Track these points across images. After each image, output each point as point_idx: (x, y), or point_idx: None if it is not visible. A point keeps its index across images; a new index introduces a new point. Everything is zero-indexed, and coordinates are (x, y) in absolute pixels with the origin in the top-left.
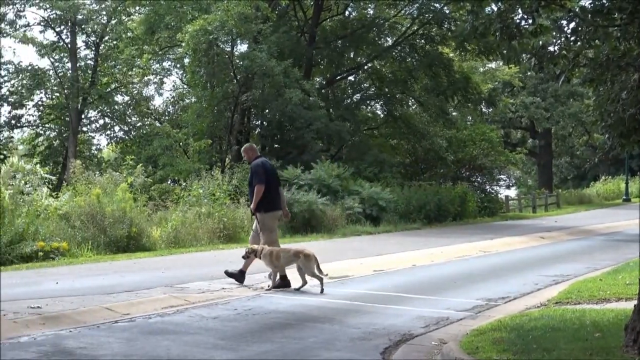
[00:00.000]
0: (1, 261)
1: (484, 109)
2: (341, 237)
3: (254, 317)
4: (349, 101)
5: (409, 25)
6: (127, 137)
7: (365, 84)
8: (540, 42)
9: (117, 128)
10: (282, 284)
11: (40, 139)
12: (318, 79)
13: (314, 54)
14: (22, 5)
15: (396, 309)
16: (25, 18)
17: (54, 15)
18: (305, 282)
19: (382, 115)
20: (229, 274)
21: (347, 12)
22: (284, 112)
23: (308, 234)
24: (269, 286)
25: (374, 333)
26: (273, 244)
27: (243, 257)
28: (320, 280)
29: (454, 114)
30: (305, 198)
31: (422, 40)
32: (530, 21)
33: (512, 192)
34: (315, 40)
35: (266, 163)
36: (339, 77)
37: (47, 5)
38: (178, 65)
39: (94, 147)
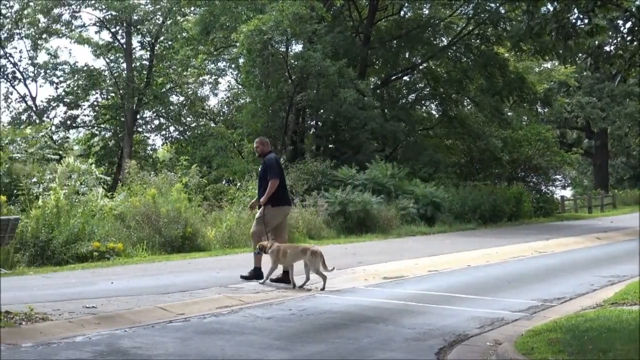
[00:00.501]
0: (57, 261)
1: (539, 109)
2: (396, 238)
3: (309, 317)
4: (404, 101)
5: (464, 25)
6: (182, 138)
7: (420, 84)
8: (596, 42)
9: (172, 128)
10: (284, 278)
11: (96, 139)
12: (373, 79)
13: (368, 54)
14: (78, 6)
15: (451, 310)
16: (81, 19)
17: (110, 15)
18: (308, 279)
19: (437, 116)
20: (245, 278)
21: (402, 12)
22: (338, 112)
23: (362, 234)
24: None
25: (428, 333)
26: (261, 236)
27: (256, 253)
28: (324, 278)
29: (509, 114)
30: (359, 198)
31: (478, 40)
32: (586, 21)
33: (568, 193)
34: (370, 40)
35: (279, 158)
36: (394, 77)
37: (103, 6)
38: (233, 66)
39: (149, 148)
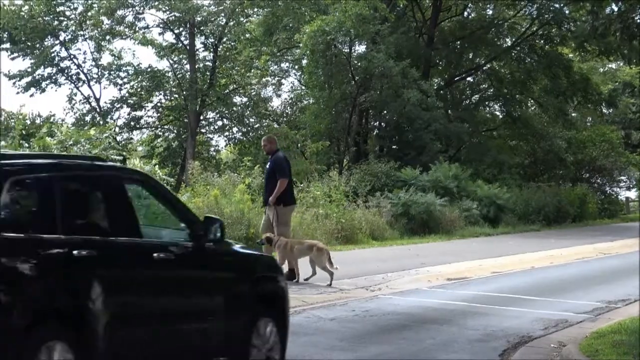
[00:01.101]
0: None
1: (604, 110)
2: (459, 239)
3: (372, 318)
4: (467, 102)
5: (528, 25)
6: (245, 139)
7: (483, 85)
8: None
9: (235, 129)
10: (290, 276)
11: (159, 140)
12: (436, 80)
13: (432, 55)
14: (142, 8)
15: (514, 311)
16: (145, 20)
17: (173, 17)
18: (314, 273)
19: (500, 117)
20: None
21: (465, 13)
22: (402, 113)
23: (426, 235)
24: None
25: (492, 335)
26: (288, 236)
27: (258, 243)
28: (331, 274)
29: (573, 114)
30: (423, 199)
31: (542, 41)
32: None
33: (633, 194)
34: (433, 41)
35: (287, 157)
36: (457, 78)
37: (166, 8)
38: (296, 67)
39: (212, 149)
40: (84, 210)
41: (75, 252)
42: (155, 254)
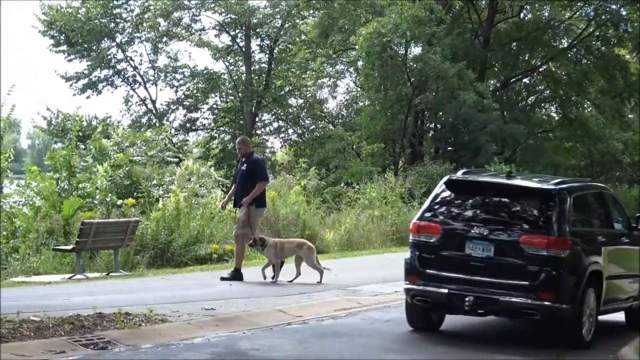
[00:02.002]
0: (176, 263)
1: None
2: None
3: None
4: (523, 103)
5: (584, 26)
6: (300, 140)
7: (539, 87)
8: None
9: (290, 131)
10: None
11: (215, 142)
12: (492, 82)
13: (488, 56)
14: (198, 10)
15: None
16: (201, 22)
17: (229, 19)
18: (299, 274)
19: (556, 118)
20: (225, 279)
21: (521, 14)
22: (457, 115)
23: None
24: (273, 278)
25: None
26: (248, 237)
27: (250, 245)
28: (321, 272)
29: (630, 116)
30: None
31: (598, 42)
32: None
33: None
34: (489, 43)
35: (264, 159)
36: (513, 80)
37: (222, 10)
38: (352, 68)
39: (267, 150)
40: (596, 213)
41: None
42: (619, 237)
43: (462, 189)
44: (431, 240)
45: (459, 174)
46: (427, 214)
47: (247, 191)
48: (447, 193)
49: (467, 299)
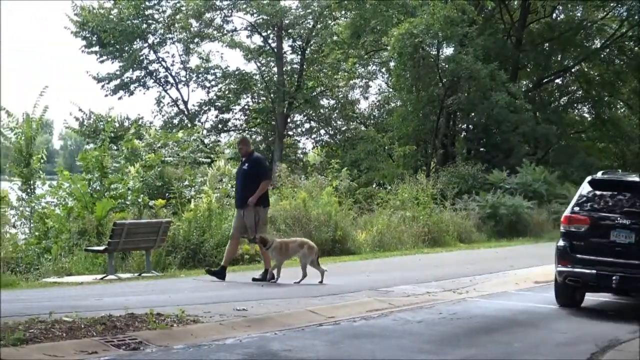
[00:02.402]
0: (208, 264)
1: None
2: (547, 242)
3: (459, 321)
4: (555, 104)
5: (617, 27)
6: (332, 141)
7: (572, 87)
8: None
9: (322, 132)
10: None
11: None
12: (524, 82)
13: (520, 57)
14: (230, 11)
15: (602, 315)
16: (233, 23)
17: (261, 20)
18: (305, 275)
19: (589, 119)
20: (256, 279)
21: (554, 15)
22: (490, 116)
23: (513, 238)
24: (273, 279)
25: (580, 338)
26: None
27: (250, 240)
28: (322, 272)
29: None
30: (510, 202)
31: (631, 42)
32: None
33: None
34: (521, 43)
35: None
36: (545, 80)
37: (254, 10)
38: (383, 69)
39: (299, 151)
40: None
41: None
42: None
43: (604, 186)
44: (581, 230)
45: (599, 174)
46: (576, 208)
47: (249, 191)
48: (591, 190)
49: (614, 277)
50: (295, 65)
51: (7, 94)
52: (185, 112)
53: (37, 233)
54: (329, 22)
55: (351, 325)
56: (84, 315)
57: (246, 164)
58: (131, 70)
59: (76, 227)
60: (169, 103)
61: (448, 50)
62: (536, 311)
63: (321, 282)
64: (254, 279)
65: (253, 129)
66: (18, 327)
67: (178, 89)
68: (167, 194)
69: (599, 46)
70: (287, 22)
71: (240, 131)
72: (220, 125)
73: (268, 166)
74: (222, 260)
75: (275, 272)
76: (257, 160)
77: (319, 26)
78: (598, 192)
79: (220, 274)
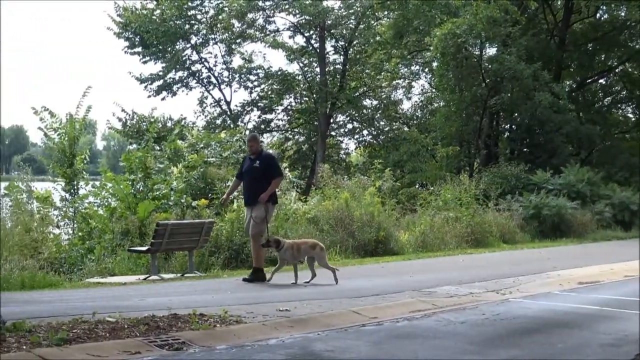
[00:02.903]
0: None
1: None
2: (591, 242)
3: (502, 321)
4: (599, 104)
5: None
6: (375, 142)
7: (616, 87)
8: None
9: (365, 132)
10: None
11: (289, 143)
12: (568, 82)
13: (563, 57)
14: (272, 11)
15: None
16: (275, 23)
17: (303, 20)
18: (314, 275)
19: (633, 119)
20: (248, 280)
21: (598, 15)
22: (533, 116)
23: (557, 238)
24: (268, 278)
25: (624, 340)
26: (262, 235)
27: (262, 245)
28: (334, 271)
29: None
30: (554, 202)
31: None
32: None
33: None
34: (565, 43)
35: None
36: (589, 80)
37: (297, 11)
38: (426, 69)
39: (342, 151)
40: None
41: None
42: None
43: None
44: None
45: None
46: None
47: (260, 189)
48: None
49: None
50: (337, 66)
51: (49, 94)
52: (228, 113)
53: (80, 233)
54: (372, 22)
55: (394, 326)
56: (127, 316)
57: (257, 162)
58: (174, 70)
59: (119, 227)
60: (211, 103)
61: (491, 51)
62: (580, 312)
63: (337, 282)
64: (243, 279)
65: (295, 130)
66: (61, 327)
67: (221, 90)
68: (209, 195)
69: None
70: (329, 22)
71: (283, 132)
72: (262, 126)
73: (278, 163)
74: (254, 263)
75: (270, 274)
76: (269, 158)
77: (361, 26)
78: None
79: (257, 278)
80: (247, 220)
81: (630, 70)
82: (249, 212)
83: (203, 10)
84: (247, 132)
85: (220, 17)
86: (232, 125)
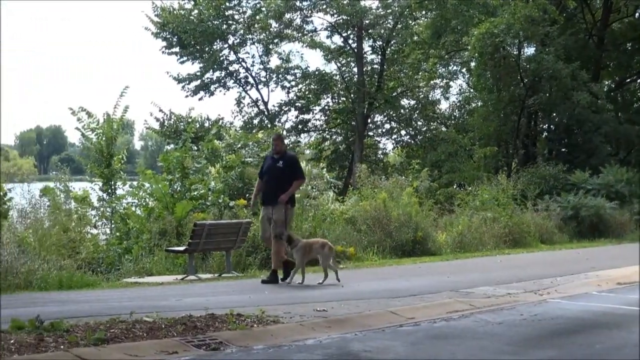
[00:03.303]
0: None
1: None
2: (629, 243)
3: (540, 322)
4: (638, 104)
5: None
6: (412, 142)
7: None
8: None
9: (402, 132)
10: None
11: (327, 143)
12: (606, 82)
13: (602, 57)
14: (310, 11)
15: None
16: (312, 23)
17: (341, 20)
18: (327, 275)
19: None
20: (263, 281)
21: (636, 14)
22: (571, 116)
23: (595, 239)
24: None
25: None
26: (283, 237)
27: (279, 237)
28: (336, 271)
29: None
30: (592, 202)
31: None
32: None
33: None
34: (603, 43)
35: None
36: (628, 80)
37: (334, 11)
38: (464, 69)
39: (379, 152)
40: None
41: None
42: None
43: None
44: None
45: None
46: None
47: (282, 189)
48: None
49: None
50: (375, 66)
51: (86, 94)
52: (265, 113)
53: (118, 233)
54: (410, 22)
55: (431, 326)
56: (165, 316)
57: (280, 162)
58: (211, 71)
59: (157, 227)
60: (249, 103)
61: (529, 50)
62: (619, 313)
63: (340, 283)
64: (262, 281)
65: (333, 130)
66: (99, 327)
67: (258, 90)
68: (247, 195)
69: None
70: (367, 22)
71: (320, 132)
72: (300, 126)
73: (300, 165)
74: (273, 265)
75: (294, 272)
76: (294, 159)
77: (399, 26)
78: None
79: (273, 280)
80: (264, 219)
81: None
82: (267, 211)
83: (240, 11)
84: (285, 132)
85: (257, 17)
86: (269, 125)
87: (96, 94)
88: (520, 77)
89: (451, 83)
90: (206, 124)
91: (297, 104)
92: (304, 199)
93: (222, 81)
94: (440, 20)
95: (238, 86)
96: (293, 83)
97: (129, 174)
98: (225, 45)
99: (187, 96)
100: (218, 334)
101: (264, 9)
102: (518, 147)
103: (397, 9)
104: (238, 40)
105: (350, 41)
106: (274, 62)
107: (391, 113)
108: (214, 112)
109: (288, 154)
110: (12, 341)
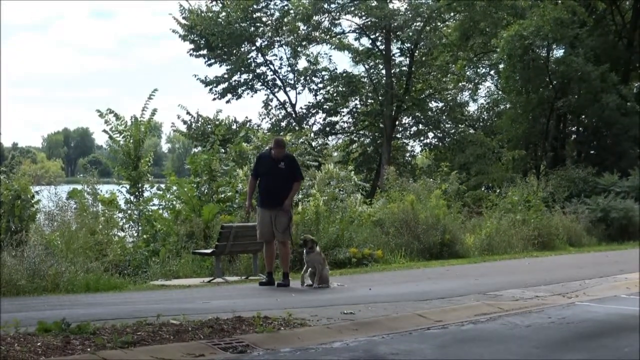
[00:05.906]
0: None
1: None
2: None
3: (568, 325)
4: None
5: None
6: (440, 144)
7: None
8: None
9: (430, 134)
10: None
11: (355, 145)
12: (636, 84)
13: (632, 59)
14: (338, 13)
15: None
16: (341, 26)
17: (369, 22)
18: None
19: None
20: (279, 284)
21: None
22: (600, 118)
23: (624, 242)
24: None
25: None
26: (290, 239)
27: (301, 246)
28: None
29: None
30: (622, 205)
31: None
32: None
33: None
34: (633, 45)
35: None
36: None
37: (362, 13)
38: (493, 71)
39: (407, 154)
40: None
41: None
42: None
43: None
44: None
45: None
46: None
47: (285, 191)
48: None
49: None
50: (403, 68)
51: (114, 97)
52: (293, 115)
53: (145, 236)
54: (438, 24)
55: (459, 329)
56: (191, 318)
57: (282, 163)
58: (239, 73)
59: (184, 230)
60: (276, 106)
61: (558, 52)
62: None
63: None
64: (278, 285)
65: (361, 132)
66: (126, 329)
67: (286, 92)
68: None
69: None
70: (395, 24)
71: (348, 134)
72: (328, 128)
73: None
74: (283, 269)
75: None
76: (294, 159)
77: (427, 28)
78: None
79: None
80: (265, 222)
81: None
82: (269, 214)
83: (268, 13)
84: (312, 135)
85: (285, 19)
86: (297, 128)
87: (124, 97)
88: (549, 79)
89: (479, 85)
90: (233, 127)
91: (324, 106)
92: (331, 201)
93: (250, 83)
94: (468, 22)
95: (265, 88)
96: (321, 85)
97: (157, 177)
98: (253, 48)
99: (214, 99)
100: (245, 336)
101: (291, 11)
102: (547, 150)
103: (425, 11)
104: (266, 42)
105: (379, 43)
106: (302, 64)
107: (419, 115)
108: (242, 115)
109: (289, 156)
110: (38, 344)
